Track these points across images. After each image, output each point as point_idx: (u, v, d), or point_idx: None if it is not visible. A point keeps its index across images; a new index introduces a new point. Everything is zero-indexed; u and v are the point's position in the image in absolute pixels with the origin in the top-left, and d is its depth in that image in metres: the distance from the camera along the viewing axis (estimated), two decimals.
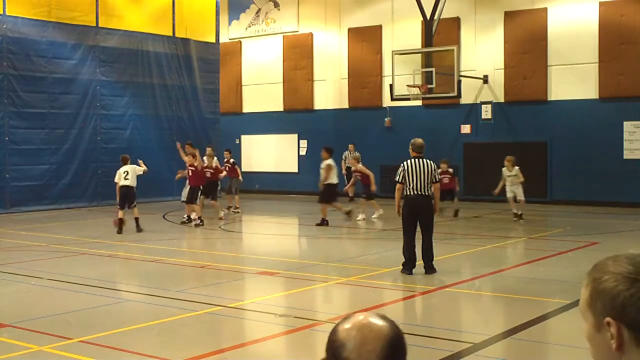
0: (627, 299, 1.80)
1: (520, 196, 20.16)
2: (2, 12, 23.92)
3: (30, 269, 13.31)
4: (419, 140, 12.58)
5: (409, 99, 24.91)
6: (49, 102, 24.89)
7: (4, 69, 23.83)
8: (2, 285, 12.15)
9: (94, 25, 26.27)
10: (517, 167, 20.24)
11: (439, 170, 16.41)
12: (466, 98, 25.73)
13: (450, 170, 21.82)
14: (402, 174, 12.27)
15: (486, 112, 26.28)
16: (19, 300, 10.91)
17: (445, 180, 20.08)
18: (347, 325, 1.96)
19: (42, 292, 11.47)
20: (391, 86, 25.09)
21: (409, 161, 12.31)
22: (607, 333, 1.82)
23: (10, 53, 23.95)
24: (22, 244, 16.95)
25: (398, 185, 12.31)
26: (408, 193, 12.24)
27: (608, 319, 1.81)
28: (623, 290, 1.81)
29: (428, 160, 12.41)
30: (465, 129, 26.69)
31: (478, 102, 26.42)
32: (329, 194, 19.44)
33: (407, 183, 12.20)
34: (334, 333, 1.97)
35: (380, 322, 1.96)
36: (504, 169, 20.35)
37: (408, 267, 12.21)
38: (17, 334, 8.77)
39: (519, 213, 20.17)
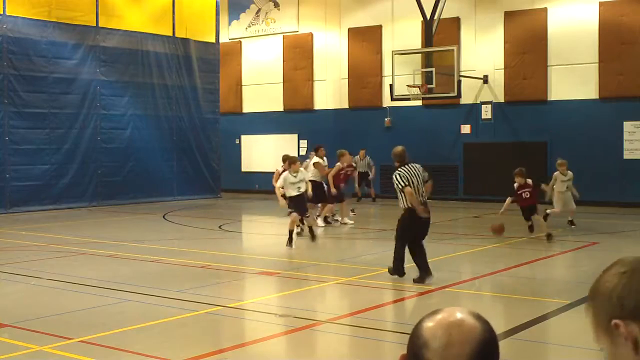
0: (620, 292, 1.66)
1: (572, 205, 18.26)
2: (2, 12, 23.93)
3: (31, 269, 13.31)
4: (399, 149, 11.96)
5: (409, 99, 24.92)
6: (49, 102, 24.90)
7: (4, 69, 23.83)
8: (2, 285, 12.16)
9: (94, 25, 26.28)
10: (570, 172, 18.04)
11: (516, 184, 16.46)
12: (466, 98, 25.73)
13: (529, 181, 16.77)
14: (407, 177, 11.59)
15: (486, 112, 26.29)
16: (19, 300, 10.91)
17: (526, 195, 16.61)
18: (432, 321, 1.74)
19: (42, 292, 11.47)
20: (391, 86, 25.10)
21: (403, 168, 11.73)
22: (621, 340, 1.65)
23: (10, 53, 23.95)
24: (22, 244, 16.95)
25: (409, 189, 11.49)
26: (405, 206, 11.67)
27: (614, 321, 1.65)
28: (614, 285, 1.68)
29: (415, 164, 11.95)
30: (465, 129, 26.70)
31: (478, 102, 26.43)
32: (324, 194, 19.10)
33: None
34: (418, 328, 1.75)
35: (472, 322, 1.72)
36: (556, 174, 18.06)
37: (400, 272, 11.81)
38: (17, 334, 8.77)
39: (570, 219, 18.59)
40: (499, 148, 25.83)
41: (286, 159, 17.22)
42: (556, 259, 14.42)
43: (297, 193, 15.70)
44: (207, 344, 8.35)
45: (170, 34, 28.75)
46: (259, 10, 31.45)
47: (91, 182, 25.81)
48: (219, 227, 19.84)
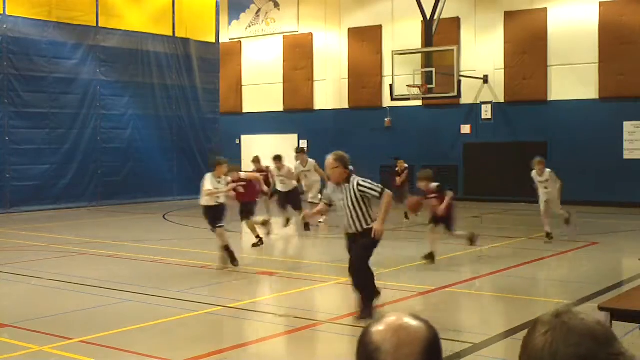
0: (549, 350, 1.72)
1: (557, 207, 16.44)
2: (2, 12, 23.95)
3: (31, 269, 13.31)
4: (341, 154, 9.61)
5: (409, 99, 24.93)
6: (49, 102, 24.93)
7: (4, 69, 23.86)
8: (3, 285, 12.16)
9: (94, 25, 26.32)
10: (548, 170, 16.17)
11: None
12: (466, 98, 25.74)
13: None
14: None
15: (486, 112, 26.30)
16: (19, 300, 10.91)
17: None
18: (380, 327, 1.86)
19: (42, 292, 11.47)
20: (391, 86, 25.11)
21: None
22: None
23: (10, 53, 23.98)
24: (22, 244, 16.96)
25: (390, 194, 9.46)
26: (372, 220, 9.47)
27: None
28: (543, 345, 1.73)
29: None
30: (465, 129, 26.71)
31: (478, 102, 26.44)
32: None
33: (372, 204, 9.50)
34: (366, 335, 1.86)
35: (415, 323, 1.86)
36: (533, 173, 16.38)
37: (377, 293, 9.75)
38: (17, 334, 8.77)
39: (566, 217, 16.61)
40: (499, 148, 25.84)
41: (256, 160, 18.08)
42: (556, 259, 14.42)
43: (215, 203, 13.16)
44: (207, 344, 8.35)
45: (170, 34, 28.78)
46: (259, 10, 31.46)
47: (91, 182, 25.82)
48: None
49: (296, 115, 30.11)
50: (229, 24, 32.19)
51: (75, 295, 11.13)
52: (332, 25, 29.52)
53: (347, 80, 29.09)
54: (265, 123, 30.61)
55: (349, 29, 29.08)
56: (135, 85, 27.23)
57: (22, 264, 13.87)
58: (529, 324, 1.85)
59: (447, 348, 8.17)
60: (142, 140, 26.98)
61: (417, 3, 24.83)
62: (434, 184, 13.71)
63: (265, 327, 9.46)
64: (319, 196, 17.59)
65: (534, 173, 16.31)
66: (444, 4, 24.66)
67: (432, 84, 24.28)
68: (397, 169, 21.40)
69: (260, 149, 30.84)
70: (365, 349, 1.84)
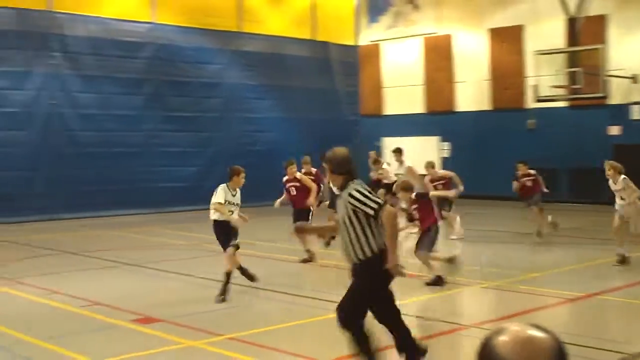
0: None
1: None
2: (153, 21, 24.99)
3: (182, 267, 13.77)
4: (342, 152, 7.14)
5: (553, 100, 24.22)
6: (195, 106, 25.76)
7: (155, 75, 24.85)
8: (154, 281, 12.64)
9: (237, 30, 27.03)
10: (623, 177, 13.53)
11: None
12: (614, 98, 24.74)
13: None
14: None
15: (637, 113, 25.17)
16: (170, 296, 11.26)
17: None
18: (505, 338, 1.82)
19: (192, 289, 11.83)
20: (534, 87, 24.48)
21: (359, 183, 6.95)
22: None
23: (159, 59, 24.96)
24: (171, 244, 17.57)
25: (393, 211, 6.86)
26: (377, 247, 6.79)
27: None
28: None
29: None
30: (614, 130, 25.65)
31: (628, 102, 25.35)
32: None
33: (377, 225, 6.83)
34: (491, 348, 1.82)
35: (542, 334, 1.83)
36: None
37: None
38: (169, 329, 9.07)
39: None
40: None
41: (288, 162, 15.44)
42: None
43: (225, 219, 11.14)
44: (343, 347, 8.35)
45: (310, 37, 29.16)
46: (398, 12, 31.37)
47: None
48: None
49: (438, 117, 29.82)
50: (368, 26, 32.26)
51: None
52: (472, 26, 29.07)
53: (488, 81, 28.56)
54: (407, 125, 30.42)
55: (489, 30, 28.55)
56: (277, 88, 27.73)
57: (173, 262, 14.38)
58: None
59: (601, 359, 7.84)
60: (284, 142, 27.40)
61: (561, 1, 24.09)
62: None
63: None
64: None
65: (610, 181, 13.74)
66: (589, 1, 23.81)
67: (577, 84, 23.49)
68: (517, 172, 17.62)
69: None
70: None
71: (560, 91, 23.61)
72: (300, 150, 27.42)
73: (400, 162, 18.93)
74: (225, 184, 11.58)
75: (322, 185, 15.90)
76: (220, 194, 11.32)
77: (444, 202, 16.61)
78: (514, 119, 27.40)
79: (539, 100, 24.48)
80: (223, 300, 10.60)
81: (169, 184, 24.96)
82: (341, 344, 8.30)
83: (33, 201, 22.34)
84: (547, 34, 26.61)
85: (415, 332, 9.22)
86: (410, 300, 11.31)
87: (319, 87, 29.02)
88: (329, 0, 30.10)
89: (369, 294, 6.79)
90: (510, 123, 27.49)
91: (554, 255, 14.73)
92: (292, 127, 27.79)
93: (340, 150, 7.06)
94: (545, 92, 23.99)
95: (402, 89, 30.90)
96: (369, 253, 6.69)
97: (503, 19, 28.11)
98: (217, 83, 26.41)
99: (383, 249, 6.67)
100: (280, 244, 16.43)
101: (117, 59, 24.14)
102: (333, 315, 9.69)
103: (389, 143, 30.80)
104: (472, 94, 28.98)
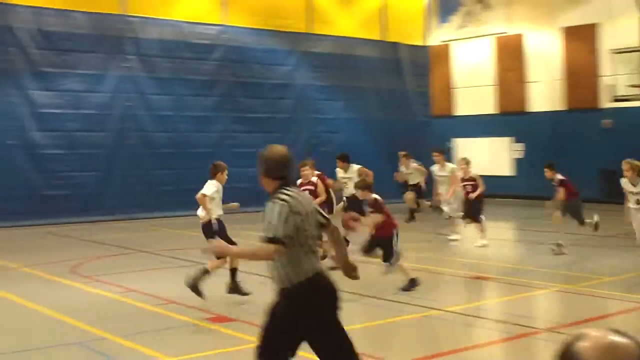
0: None
1: None
2: (223, 23, 25.31)
3: (254, 266, 13.87)
4: (280, 151, 5.87)
5: (630, 100, 23.70)
6: (266, 107, 25.97)
7: (226, 77, 25.18)
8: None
9: (306, 31, 27.17)
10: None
11: None
12: None
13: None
14: (293, 211, 5.74)
15: None
16: (243, 296, 11.33)
17: None
18: (587, 344, 1.78)
19: (264, 289, 11.90)
20: (610, 86, 23.97)
21: (289, 192, 5.77)
22: None
23: (230, 61, 25.27)
24: (242, 244, 17.70)
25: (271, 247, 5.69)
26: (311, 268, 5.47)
27: None
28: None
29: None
30: None
31: None
32: None
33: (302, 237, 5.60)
34: (572, 354, 1.79)
35: (625, 340, 1.80)
36: (623, 181, 12.48)
37: None
38: (243, 328, 9.14)
39: None
40: None
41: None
42: None
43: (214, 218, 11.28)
44: (422, 348, 8.32)
45: (380, 38, 29.11)
46: (468, 12, 31.08)
47: None
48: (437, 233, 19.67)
49: (510, 118, 29.41)
50: (439, 26, 32.04)
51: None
52: (544, 25, 28.59)
53: (561, 81, 28.06)
54: (478, 126, 30.08)
55: (562, 28, 28.04)
56: (347, 89, 27.76)
57: (246, 262, 14.48)
58: None
59: None
60: (355, 144, 27.34)
61: None
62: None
63: (482, 333, 9.30)
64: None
65: (624, 181, 12.32)
66: None
67: None
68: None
69: (473, 152, 30.40)
70: None
71: (637, 90, 23.11)
72: (371, 151, 27.54)
73: (442, 164, 17.80)
74: (214, 181, 11.50)
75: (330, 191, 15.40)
76: (210, 187, 11.32)
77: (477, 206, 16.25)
78: (589, 119, 26.86)
79: (616, 100, 23.98)
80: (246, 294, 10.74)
81: (242, 185, 25.19)
82: (409, 346, 8.25)
83: (108, 201, 22.85)
84: (621, 32, 26.03)
85: (491, 336, 9.15)
86: (481, 302, 11.19)
87: (389, 88, 28.95)
88: (399, 0, 30.00)
89: (283, 320, 5.34)
90: (585, 122, 26.96)
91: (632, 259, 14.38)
92: (362, 128, 27.78)
93: (278, 149, 5.68)
94: (621, 91, 23.51)
95: (472, 90, 30.58)
96: (283, 283, 5.36)
97: (576, 17, 27.58)
98: (287, 84, 26.59)
99: (310, 276, 5.30)
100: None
101: (189, 61, 24.54)
102: (405, 317, 9.67)
103: (461, 144, 30.54)
104: (544, 94, 28.52)
